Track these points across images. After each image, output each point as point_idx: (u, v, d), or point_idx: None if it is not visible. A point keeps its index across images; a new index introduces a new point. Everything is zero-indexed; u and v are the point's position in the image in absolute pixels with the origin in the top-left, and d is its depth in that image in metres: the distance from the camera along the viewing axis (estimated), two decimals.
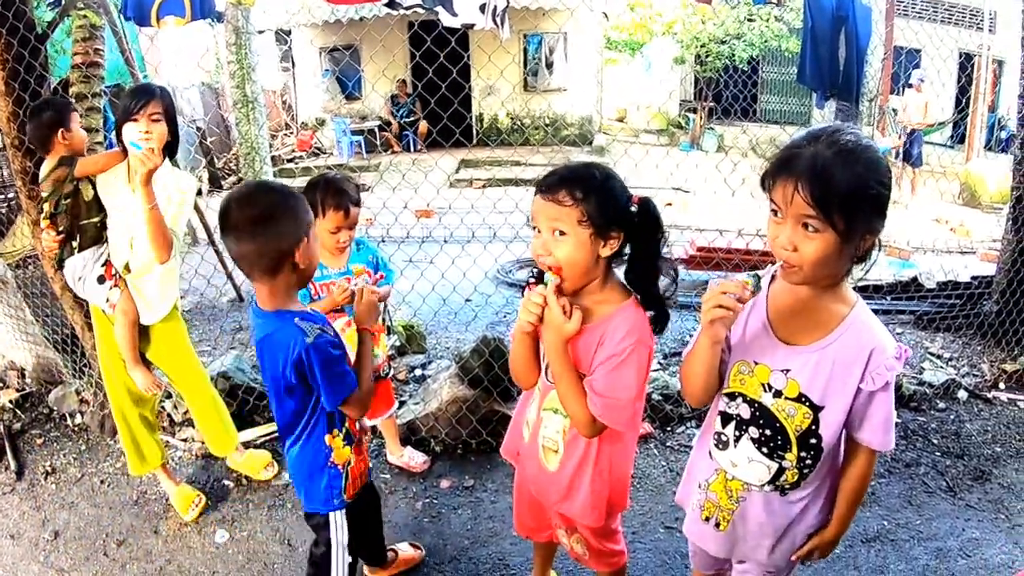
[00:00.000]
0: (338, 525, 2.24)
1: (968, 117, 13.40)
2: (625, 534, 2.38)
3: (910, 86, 11.81)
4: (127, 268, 2.86)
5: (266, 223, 1.87)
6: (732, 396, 1.82)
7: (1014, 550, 3.08)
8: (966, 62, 13.26)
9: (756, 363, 1.75)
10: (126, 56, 4.73)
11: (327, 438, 2.12)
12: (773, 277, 1.77)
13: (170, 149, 2.85)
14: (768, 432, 1.75)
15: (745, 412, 1.80)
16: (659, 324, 1.89)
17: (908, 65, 12.43)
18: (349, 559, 2.29)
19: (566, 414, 1.96)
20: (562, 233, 1.75)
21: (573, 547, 2.26)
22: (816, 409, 1.69)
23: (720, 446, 1.89)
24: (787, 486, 1.81)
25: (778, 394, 1.72)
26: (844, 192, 1.46)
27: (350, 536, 2.26)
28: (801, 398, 1.69)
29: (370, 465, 2.32)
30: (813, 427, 1.71)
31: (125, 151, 2.77)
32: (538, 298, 1.80)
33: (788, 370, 1.70)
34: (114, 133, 2.78)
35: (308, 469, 2.16)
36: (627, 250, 1.86)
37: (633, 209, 1.80)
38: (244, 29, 3.26)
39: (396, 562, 2.81)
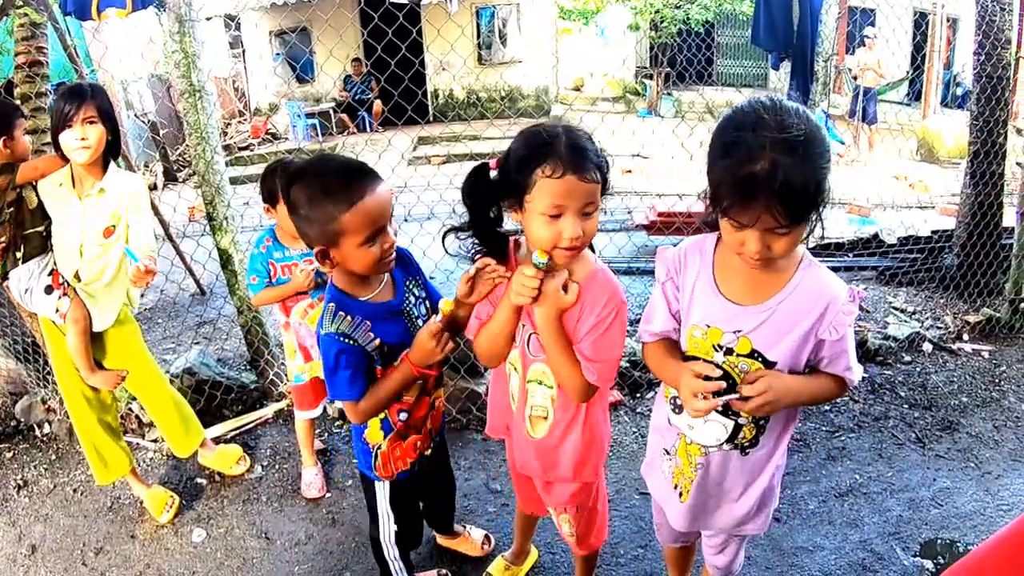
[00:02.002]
0: (379, 492, 2.23)
1: (924, 74, 13.53)
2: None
3: (862, 44, 11.87)
4: (76, 276, 2.77)
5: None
6: (688, 359, 1.80)
7: (985, 497, 3.12)
8: (920, 20, 13.36)
9: (708, 326, 1.73)
10: (69, 53, 4.60)
11: None
12: (718, 240, 1.74)
13: (112, 149, 2.74)
14: (725, 390, 1.72)
15: None
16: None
17: (863, 24, 12.48)
18: (395, 527, 2.28)
19: (551, 385, 1.94)
20: (589, 212, 1.69)
21: (561, 526, 2.24)
22: (769, 365, 1.68)
23: (677, 410, 1.89)
24: (746, 443, 1.81)
25: (729, 351, 1.71)
26: (813, 193, 1.44)
27: (392, 510, 2.25)
28: (753, 354, 1.68)
29: (424, 453, 2.23)
30: None
31: (64, 156, 2.67)
32: (533, 280, 1.72)
33: (740, 330, 1.69)
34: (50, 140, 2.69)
35: (353, 432, 2.17)
36: None
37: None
38: (187, 16, 3.15)
39: (458, 538, 2.82)
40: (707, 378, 1.65)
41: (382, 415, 2.06)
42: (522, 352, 1.97)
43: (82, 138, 2.57)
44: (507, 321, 1.88)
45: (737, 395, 1.65)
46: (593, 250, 1.90)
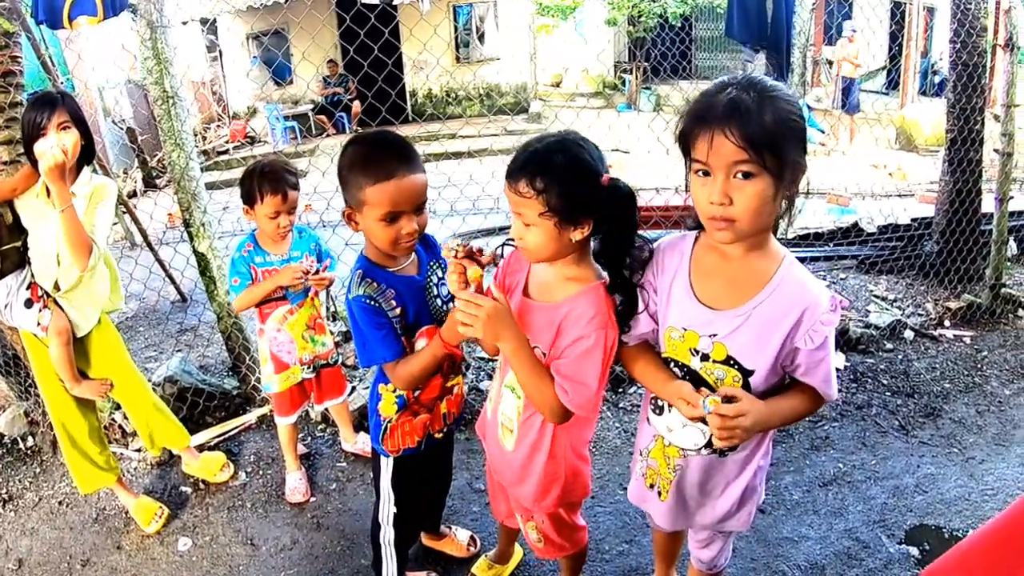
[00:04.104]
0: (383, 468, 2.26)
1: (901, 64, 13.61)
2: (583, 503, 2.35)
3: (840, 35, 11.95)
4: (56, 287, 2.73)
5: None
6: (666, 362, 1.78)
7: (969, 482, 3.14)
8: (896, 8, 13.44)
9: (685, 329, 1.70)
10: (43, 61, 4.54)
11: (380, 386, 2.14)
12: (696, 239, 1.72)
13: (86, 154, 2.71)
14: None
15: None
16: (627, 312, 1.76)
17: (838, 15, 12.56)
18: (395, 509, 2.30)
19: (520, 395, 1.90)
20: (527, 225, 1.66)
21: (529, 533, 2.20)
22: (746, 373, 1.64)
23: (656, 411, 1.86)
24: (725, 448, 1.78)
25: (705, 357, 1.67)
26: (771, 128, 1.41)
27: (393, 490, 2.28)
28: (729, 361, 1.65)
29: (434, 435, 2.24)
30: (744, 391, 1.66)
31: (38, 169, 2.63)
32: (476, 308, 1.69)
33: (715, 335, 1.65)
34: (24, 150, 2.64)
35: (369, 404, 2.22)
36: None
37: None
38: (158, 22, 3.11)
39: (444, 539, 2.81)
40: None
41: (400, 392, 2.11)
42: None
43: (59, 145, 2.52)
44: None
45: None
46: (620, 272, 1.76)
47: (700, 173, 1.50)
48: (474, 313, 1.68)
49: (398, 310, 1.97)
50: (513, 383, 1.91)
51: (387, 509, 2.31)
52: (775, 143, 1.42)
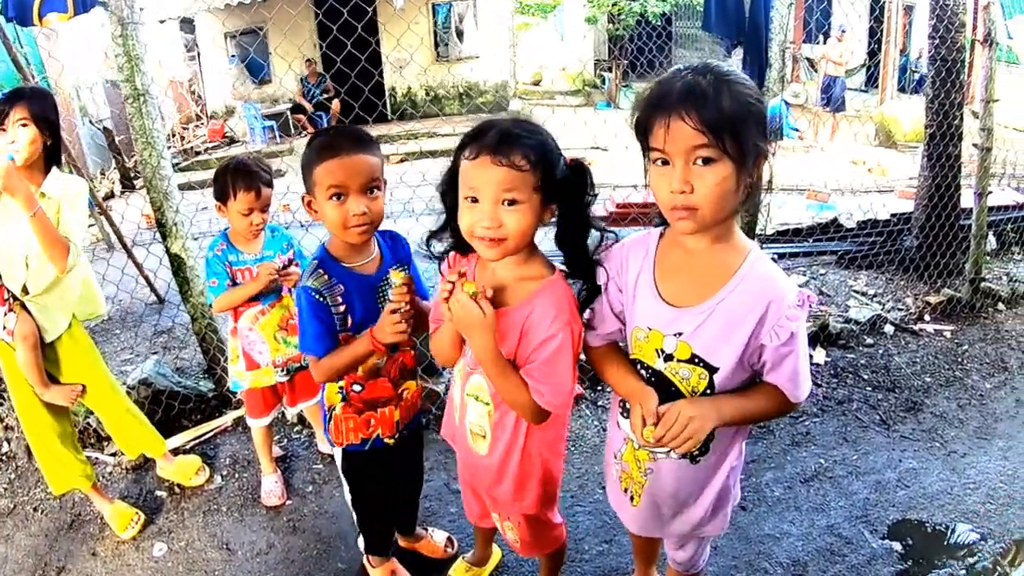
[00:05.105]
0: (336, 455, 2.33)
1: (880, 61, 13.69)
2: (563, 498, 2.33)
3: (827, 35, 12.03)
4: (24, 290, 2.67)
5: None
6: (634, 363, 1.75)
7: (951, 476, 3.14)
8: (875, 5, 13.51)
9: (650, 329, 1.67)
10: (14, 59, 4.47)
11: None
12: (661, 236, 1.69)
13: (53, 154, 2.66)
14: (665, 397, 1.65)
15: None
16: (589, 296, 1.77)
17: (817, 10, 12.61)
18: (349, 497, 2.40)
19: (487, 402, 1.87)
20: (514, 202, 1.57)
21: (506, 533, 2.18)
22: (711, 370, 1.61)
23: (624, 414, 1.82)
24: (695, 452, 1.74)
25: (669, 357, 1.64)
26: (730, 112, 1.38)
27: (346, 479, 2.36)
28: (694, 359, 1.61)
29: (383, 438, 2.23)
30: (709, 391, 1.63)
31: None
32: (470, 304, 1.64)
33: (680, 333, 1.61)
34: None
35: (321, 391, 2.23)
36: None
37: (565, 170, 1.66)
38: (129, 19, 3.05)
39: (421, 540, 2.79)
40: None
41: (341, 382, 2.13)
42: (465, 361, 1.91)
43: (11, 141, 2.50)
44: (450, 328, 1.82)
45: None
46: (583, 253, 1.76)
47: (659, 162, 1.47)
48: (464, 314, 1.64)
49: (342, 307, 1.99)
50: (476, 391, 1.89)
51: (348, 494, 2.41)
52: (734, 126, 1.39)
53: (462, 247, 1.79)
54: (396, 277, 1.88)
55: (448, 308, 1.67)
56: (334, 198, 1.88)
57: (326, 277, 1.96)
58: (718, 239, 1.57)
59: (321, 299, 1.95)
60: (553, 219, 1.69)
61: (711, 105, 1.38)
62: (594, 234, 1.74)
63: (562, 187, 1.63)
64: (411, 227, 2.02)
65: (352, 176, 1.87)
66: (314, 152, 1.89)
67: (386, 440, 2.24)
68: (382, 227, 2.06)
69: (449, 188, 1.70)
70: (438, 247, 1.86)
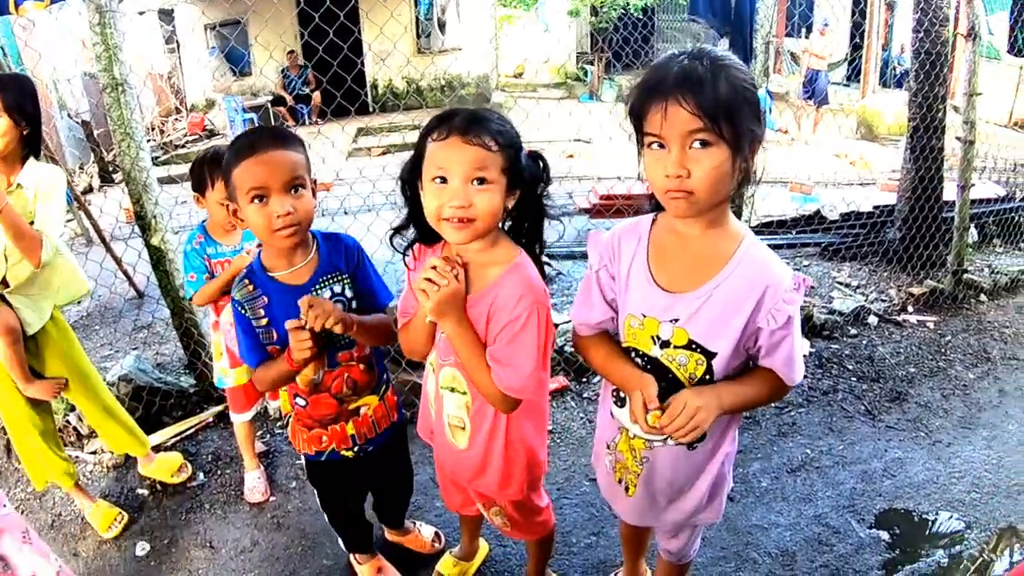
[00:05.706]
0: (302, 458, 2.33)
1: (863, 55, 13.74)
2: (550, 491, 2.31)
3: (812, 29, 12.06)
4: (4, 283, 2.62)
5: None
6: (627, 351, 1.73)
7: (937, 465, 3.15)
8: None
9: (644, 316, 1.65)
10: None
11: None
12: (653, 222, 1.68)
13: (32, 143, 2.60)
14: (663, 384, 1.64)
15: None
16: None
17: (801, 4, 12.64)
18: (318, 500, 2.41)
19: (463, 391, 1.85)
20: (483, 181, 1.55)
21: (493, 519, 2.16)
22: (709, 355, 1.60)
23: (619, 403, 1.81)
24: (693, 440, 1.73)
25: (666, 344, 1.63)
26: (726, 96, 1.38)
27: (311, 482, 2.37)
28: (691, 345, 1.60)
29: (340, 451, 2.18)
30: (707, 376, 1.62)
31: None
32: (443, 279, 1.62)
33: (676, 319, 1.60)
34: None
35: None
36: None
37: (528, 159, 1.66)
38: (107, 7, 3.00)
39: (408, 535, 2.76)
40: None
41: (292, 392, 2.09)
42: (437, 353, 1.89)
43: None
44: (424, 318, 1.80)
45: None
46: (540, 240, 1.78)
47: (654, 146, 1.46)
48: (439, 284, 1.61)
49: (264, 320, 1.92)
50: (451, 383, 1.87)
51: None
52: (730, 111, 1.38)
53: (427, 237, 1.77)
54: (303, 302, 1.76)
55: (421, 291, 1.64)
56: (256, 200, 1.76)
57: (250, 288, 1.90)
58: (712, 224, 1.56)
59: (244, 312, 1.90)
60: (511, 211, 1.68)
61: (708, 90, 1.37)
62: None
63: (524, 174, 1.63)
64: (393, 219, 1.97)
65: (273, 175, 1.75)
66: (232, 154, 1.78)
67: (343, 453, 2.17)
68: (335, 230, 2.00)
69: (411, 176, 1.67)
70: (401, 243, 1.82)
